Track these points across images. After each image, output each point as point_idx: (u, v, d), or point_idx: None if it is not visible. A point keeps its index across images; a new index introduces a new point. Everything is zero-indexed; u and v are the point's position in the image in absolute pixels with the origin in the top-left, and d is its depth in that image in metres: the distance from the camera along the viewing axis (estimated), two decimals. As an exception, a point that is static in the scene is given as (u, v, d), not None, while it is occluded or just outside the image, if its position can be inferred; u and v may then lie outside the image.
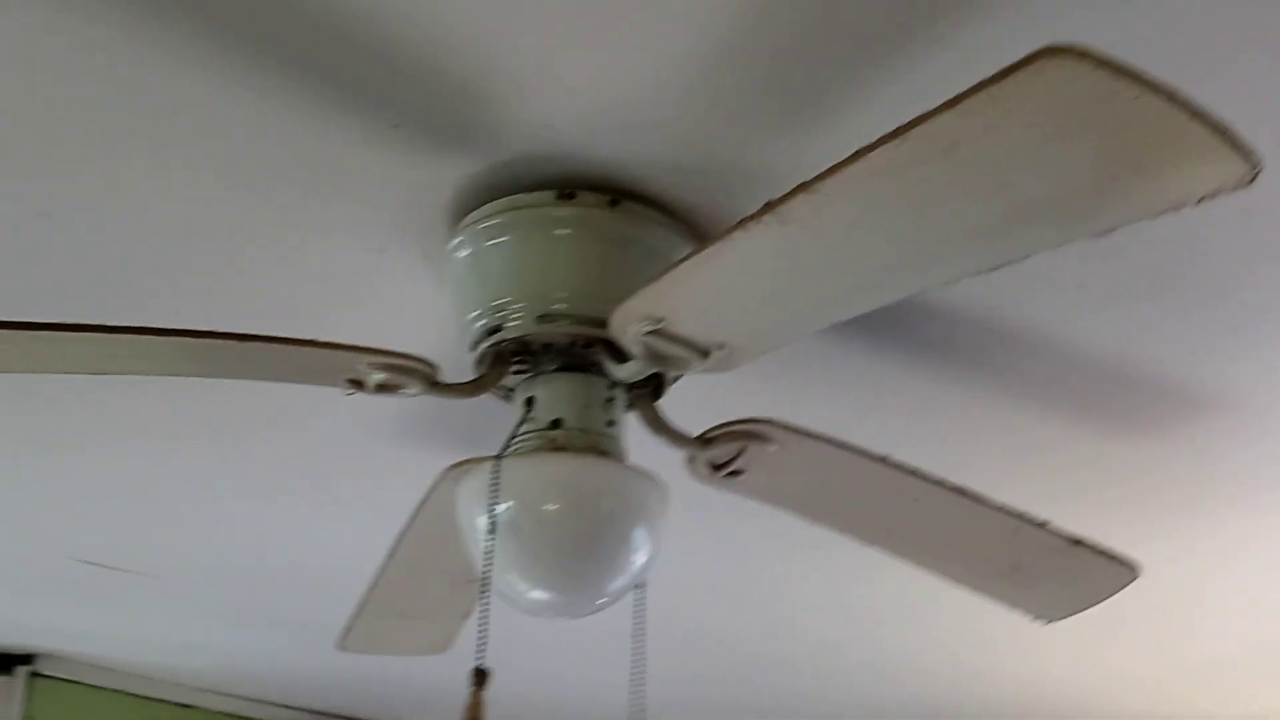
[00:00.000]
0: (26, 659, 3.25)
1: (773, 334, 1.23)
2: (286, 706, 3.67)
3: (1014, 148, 0.84)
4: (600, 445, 1.37)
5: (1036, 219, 0.91)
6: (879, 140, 0.89)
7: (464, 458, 1.52)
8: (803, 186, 0.96)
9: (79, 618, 2.97)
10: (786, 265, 1.08)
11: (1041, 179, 0.87)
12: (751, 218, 1.02)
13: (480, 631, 1.19)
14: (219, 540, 2.42)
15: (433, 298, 1.53)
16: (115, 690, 3.36)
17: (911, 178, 0.91)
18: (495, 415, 1.76)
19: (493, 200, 1.38)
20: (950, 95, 0.84)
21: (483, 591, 1.25)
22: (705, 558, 2.40)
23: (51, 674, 3.27)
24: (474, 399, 1.44)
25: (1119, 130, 0.83)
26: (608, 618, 1.46)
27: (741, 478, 1.53)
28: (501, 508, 1.30)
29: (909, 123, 0.87)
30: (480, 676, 1.17)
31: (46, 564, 2.59)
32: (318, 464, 2.08)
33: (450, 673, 3.31)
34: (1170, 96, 0.80)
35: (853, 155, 0.91)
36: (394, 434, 1.97)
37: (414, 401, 1.88)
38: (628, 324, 1.23)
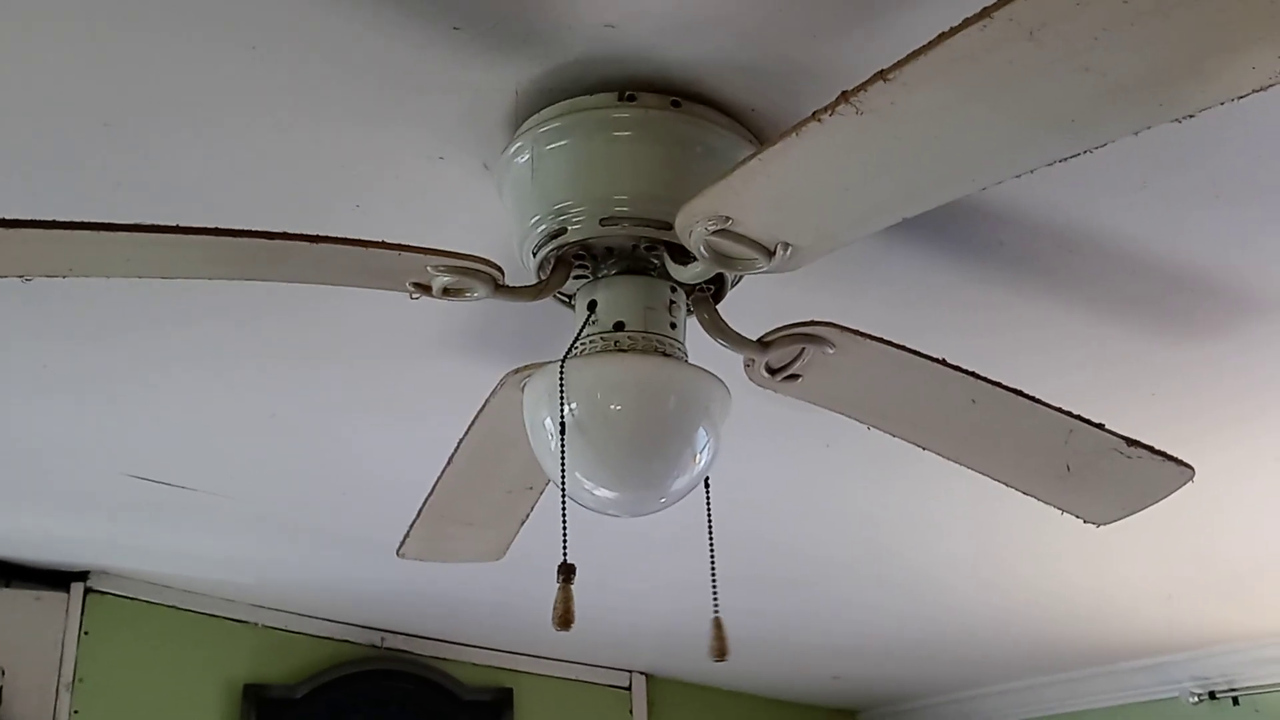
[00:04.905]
0: (82, 575, 3.32)
1: (839, 232, 1.22)
2: (341, 622, 3.74)
3: (1103, 26, 0.83)
4: (663, 347, 1.38)
5: (1122, 102, 0.90)
6: (962, 23, 0.88)
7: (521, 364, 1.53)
8: (881, 74, 0.95)
9: (134, 534, 3.03)
10: (860, 158, 1.07)
11: (1129, 59, 0.86)
12: (825, 109, 1.01)
13: (563, 529, 1.21)
14: (274, 455, 2.45)
15: (490, 207, 1.53)
16: (170, 606, 3.44)
17: (994, 62, 0.90)
18: (546, 329, 1.78)
19: (553, 104, 1.38)
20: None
21: (562, 490, 1.27)
22: (771, 465, 2.42)
23: (107, 590, 3.36)
24: (534, 303, 1.45)
25: (1210, 5, 0.82)
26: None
27: (799, 381, 1.54)
28: (567, 408, 1.31)
29: (993, 4, 0.86)
30: (567, 571, 1.20)
31: (101, 481, 2.62)
32: (372, 378, 2.09)
33: (499, 593, 3.38)
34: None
35: (934, 40, 0.90)
36: (448, 347, 1.98)
37: (467, 316, 1.91)
38: (693, 223, 1.22)
